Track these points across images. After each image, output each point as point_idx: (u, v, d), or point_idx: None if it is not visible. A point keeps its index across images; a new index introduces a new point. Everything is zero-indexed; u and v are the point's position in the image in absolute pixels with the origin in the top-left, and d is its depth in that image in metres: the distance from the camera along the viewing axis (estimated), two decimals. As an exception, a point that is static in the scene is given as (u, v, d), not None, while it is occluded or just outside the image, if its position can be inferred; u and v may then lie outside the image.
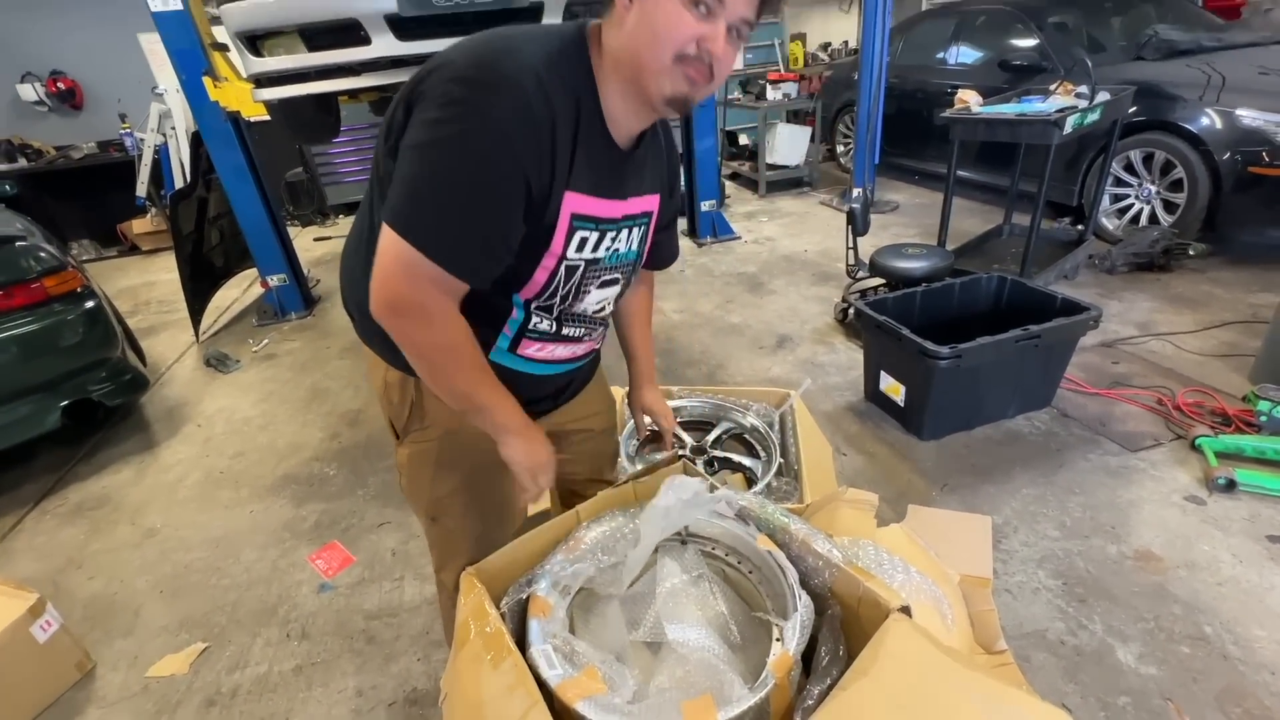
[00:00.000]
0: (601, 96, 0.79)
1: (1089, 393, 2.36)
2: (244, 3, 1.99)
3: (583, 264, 0.87)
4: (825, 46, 7.73)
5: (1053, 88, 2.96)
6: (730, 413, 2.04)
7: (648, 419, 1.29)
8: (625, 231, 0.90)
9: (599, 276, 0.91)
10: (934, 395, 2.10)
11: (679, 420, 2.10)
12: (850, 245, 3.03)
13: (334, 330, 3.73)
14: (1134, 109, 3.29)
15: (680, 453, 1.90)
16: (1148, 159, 3.45)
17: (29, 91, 5.99)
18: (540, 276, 0.84)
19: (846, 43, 7.78)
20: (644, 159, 0.90)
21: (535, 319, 0.90)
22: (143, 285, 5.06)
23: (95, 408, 2.55)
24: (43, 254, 2.42)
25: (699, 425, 2.10)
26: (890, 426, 2.32)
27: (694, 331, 3.23)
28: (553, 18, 2.17)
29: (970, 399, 2.17)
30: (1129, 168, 3.53)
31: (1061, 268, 3.17)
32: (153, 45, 5.31)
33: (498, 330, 0.90)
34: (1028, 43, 4.15)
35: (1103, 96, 2.81)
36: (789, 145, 5.62)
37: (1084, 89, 2.86)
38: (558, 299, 0.89)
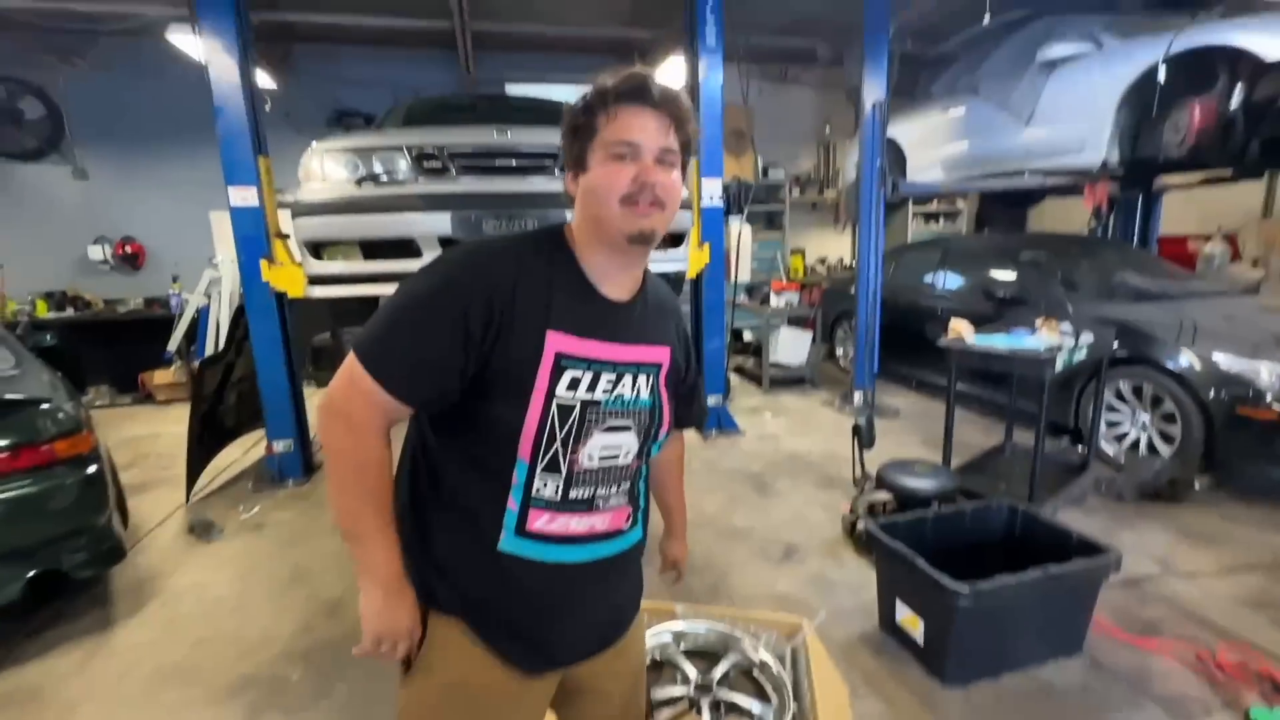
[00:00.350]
0: (581, 259, 0.93)
1: (1121, 639, 2.21)
2: (316, 219, 2.24)
3: (579, 404, 0.89)
4: (822, 260, 8.56)
5: (1038, 323, 3.20)
6: (739, 643, 1.91)
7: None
8: (629, 377, 0.94)
9: (602, 420, 0.92)
10: (956, 635, 1.97)
11: (684, 648, 1.96)
12: (857, 458, 3.05)
13: (328, 502, 3.64)
14: (1116, 344, 3.53)
15: (688, 695, 1.73)
16: (1137, 390, 3.61)
17: (98, 252, 6.56)
18: (533, 419, 0.87)
19: (841, 259, 8.62)
20: (644, 313, 0.99)
21: (539, 483, 0.90)
22: (148, 436, 5.06)
23: (63, 579, 2.39)
24: (61, 416, 2.45)
25: (705, 655, 1.95)
26: (910, 664, 2.14)
27: (698, 533, 3.13)
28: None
29: (995, 641, 2.03)
30: (1120, 396, 3.69)
31: (1070, 493, 3.16)
32: (221, 223, 5.92)
33: (502, 504, 0.89)
34: (1007, 275, 4.59)
35: (1087, 337, 3.03)
36: (791, 347, 5.95)
37: (1067, 327, 3.10)
38: (557, 443, 0.89)
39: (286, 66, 6.75)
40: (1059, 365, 2.77)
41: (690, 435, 4.60)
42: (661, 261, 3.09)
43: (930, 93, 5.99)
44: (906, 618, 2.18)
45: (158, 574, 2.91)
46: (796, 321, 6.10)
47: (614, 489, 0.97)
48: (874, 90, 4.64)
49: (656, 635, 1.97)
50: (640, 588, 1.15)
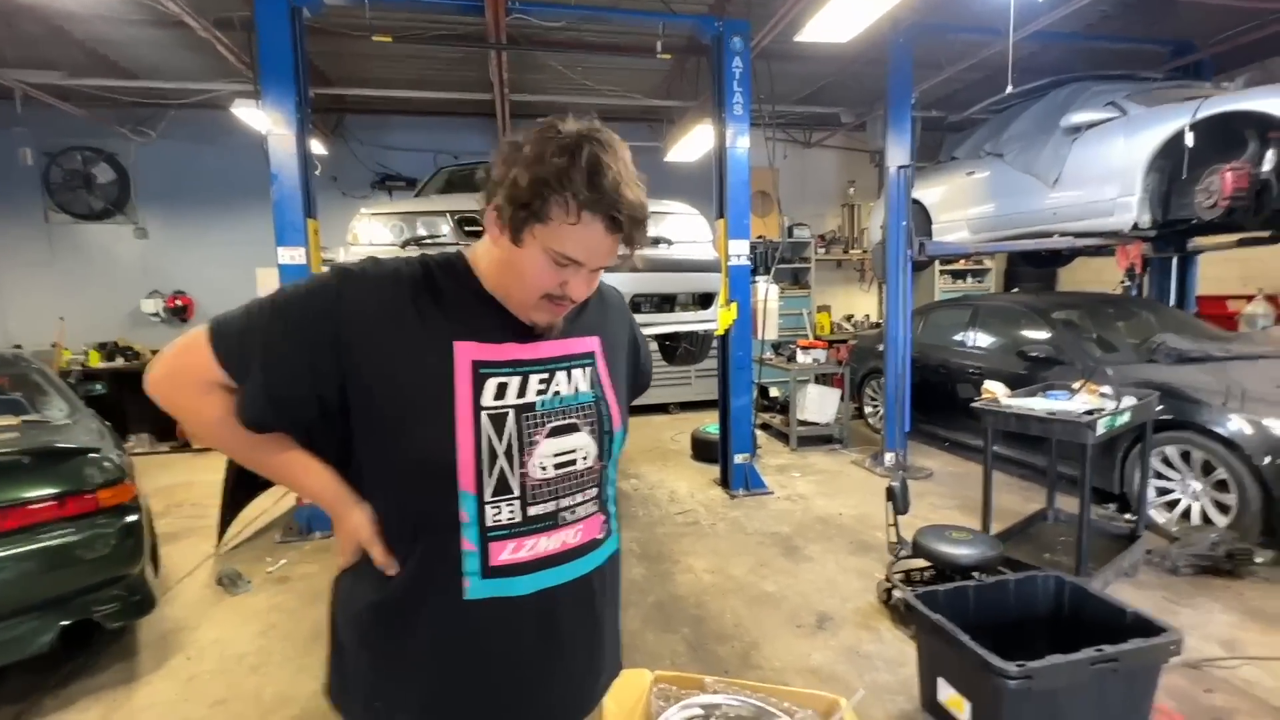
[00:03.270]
0: (483, 282, 0.89)
1: (1187, 731, 2.04)
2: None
3: (511, 411, 0.85)
4: (849, 318, 8.55)
5: (1075, 386, 3.12)
6: (773, 719, 1.81)
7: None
8: (562, 374, 0.90)
9: (544, 423, 0.87)
10: (1005, 721, 1.84)
11: (713, 722, 1.86)
12: (891, 523, 2.96)
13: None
14: (1160, 408, 3.41)
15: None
16: (1185, 455, 3.47)
17: (150, 305, 6.91)
18: (465, 438, 0.81)
19: (868, 316, 8.61)
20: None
21: (492, 511, 0.83)
22: (182, 485, 5.16)
23: (94, 629, 2.41)
24: (107, 465, 2.52)
25: (736, 732, 1.85)
26: (956, 752, 2.00)
27: (726, 598, 3.03)
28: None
29: (1048, 729, 1.89)
30: (1166, 462, 3.54)
31: (1119, 565, 3.00)
32: (266, 278, 6.20)
33: (456, 550, 0.83)
34: (1041, 335, 4.52)
35: (1129, 400, 2.94)
36: (819, 404, 5.88)
37: (1107, 390, 3.02)
38: (500, 459, 0.83)
39: (336, 134, 7.20)
40: (1100, 430, 2.69)
41: (717, 493, 4.54)
42: (693, 322, 3.13)
43: (954, 156, 6.10)
44: (950, 698, 2.05)
45: (183, 626, 2.91)
46: (824, 379, 6.05)
47: (579, 497, 0.90)
48: (898, 155, 4.74)
49: (684, 709, 1.88)
50: (616, 640, 1.05)
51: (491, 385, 0.84)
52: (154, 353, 6.76)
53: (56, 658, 2.47)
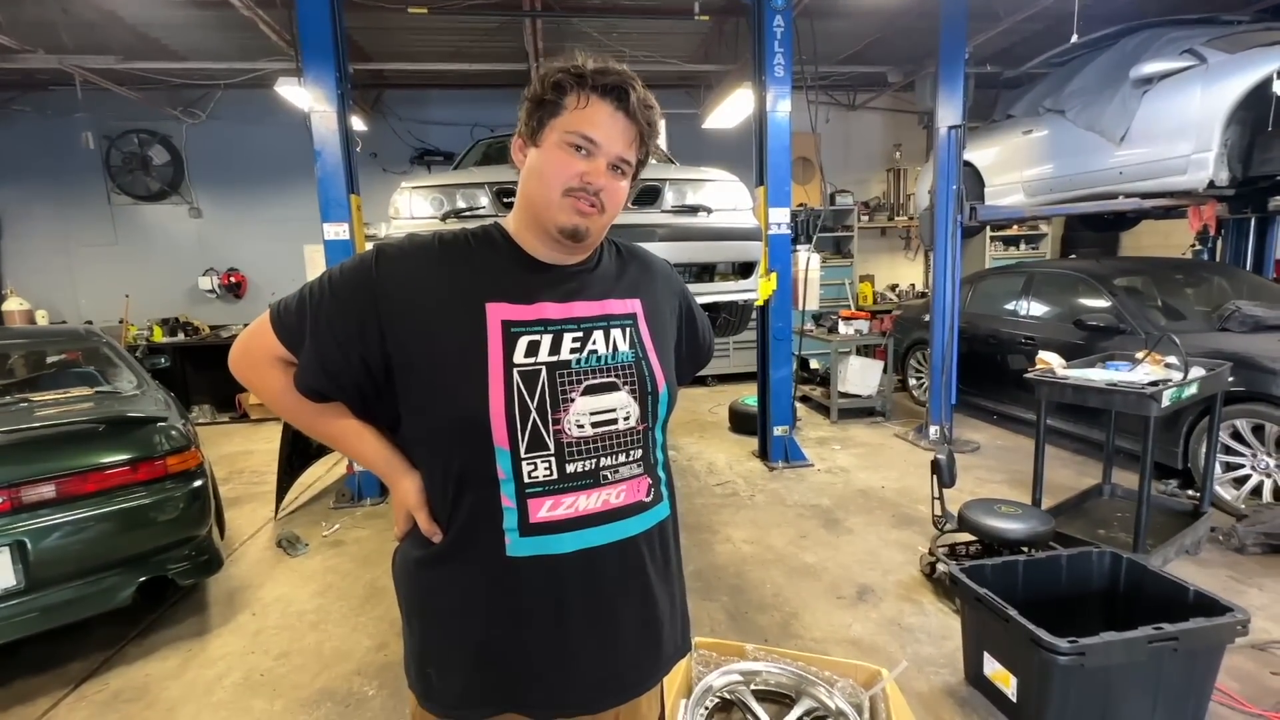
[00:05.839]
0: (517, 239, 0.93)
1: (1251, 712, 1.97)
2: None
3: (543, 368, 0.86)
4: (893, 287, 8.29)
5: (1139, 356, 2.96)
6: (814, 687, 1.82)
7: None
8: (599, 333, 0.91)
9: (579, 381, 0.87)
10: (1055, 698, 1.80)
11: (754, 687, 1.89)
12: (936, 496, 2.90)
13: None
14: (1232, 379, 3.21)
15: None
16: (1257, 429, 3.27)
17: (206, 283, 7.21)
18: (497, 394, 0.83)
19: (914, 285, 8.33)
20: (608, 271, 0.98)
21: (528, 467, 0.85)
22: (242, 453, 5.43)
23: (167, 585, 2.58)
24: (174, 433, 2.67)
25: (777, 697, 1.87)
26: (1001, 725, 1.98)
27: (766, 569, 3.04)
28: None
29: (1099, 707, 1.84)
30: (1236, 436, 3.35)
31: (1181, 542, 2.87)
32: (313, 255, 6.38)
33: (498, 507, 0.85)
34: (1100, 303, 4.29)
35: (1197, 371, 2.78)
36: (861, 376, 5.76)
37: (1174, 359, 2.85)
38: (533, 415, 0.84)
39: (376, 110, 7.27)
40: (1165, 401, 2.55)
41: (756, 466, 4.52)
42: (733, 292, 3.08)
43: (1010, 114, 5.77)
44: (996, 672, 2.02)
45: (248, 585, 3.08)
46: (866, 350, 5.91)
47: (621, 457, 0.90)
48: (949, 115, 4.51)
49: (725, 674, 1.91)
50: (680, 617, 1.03)
51: (523, 343, 0.86)
52: (212, 328, 7.08)
53: (136, 611, 2.67)
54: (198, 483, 2.67)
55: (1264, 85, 3.54)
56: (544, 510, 0.86)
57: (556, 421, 0.86)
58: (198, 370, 6.60)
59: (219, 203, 7.27)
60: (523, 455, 0.85)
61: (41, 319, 6.69)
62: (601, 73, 0.85)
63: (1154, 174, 4.24)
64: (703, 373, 7.89)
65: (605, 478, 0.89)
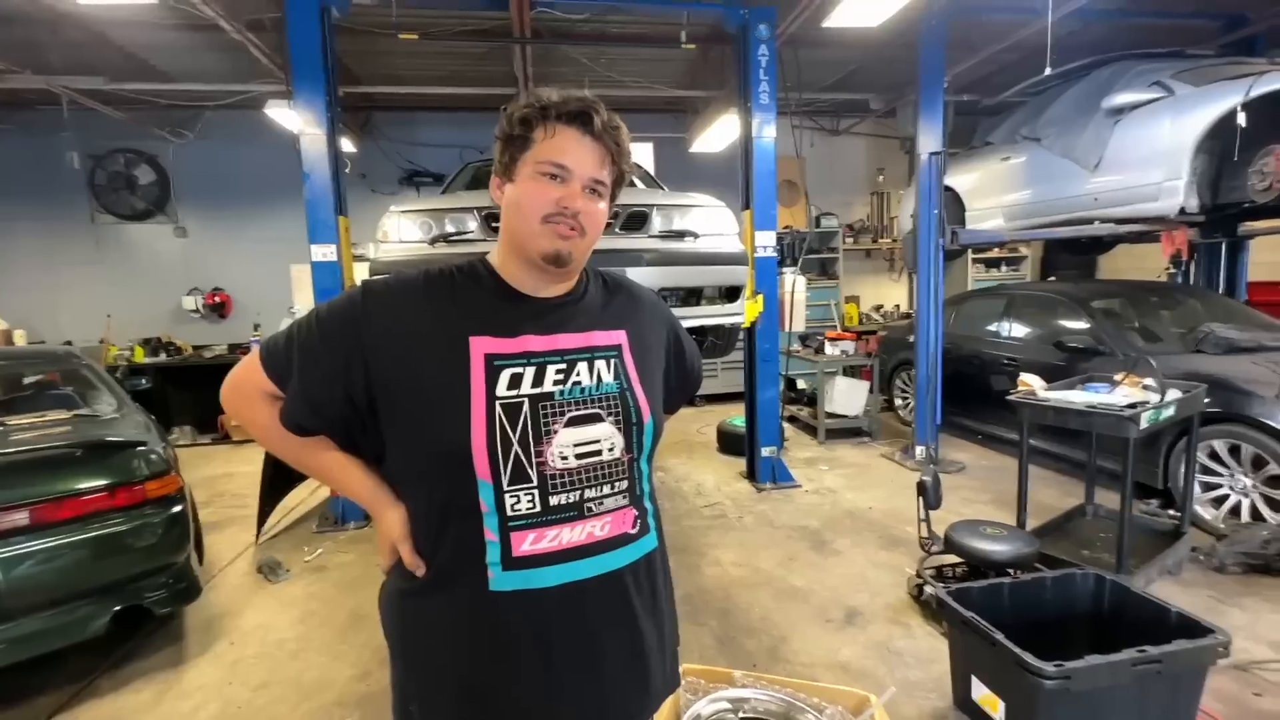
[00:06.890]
0: (502, 272, 0.94)
1: (1234, 735, 1.98)
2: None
3: (526, 400, 0.86)
4: (878, 308, 8.40)
5: (1117, 378, 3.02)
6: (802, 715, 1.81)
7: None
8: (583, 364, 0.91)
9: (562, 412, 0.87)
10: (1041, 721, 1.81)
11: (742, 715, 1.87)
12: (923, 518, 2.91)
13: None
14: (1208, 400, 3.28)
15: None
16: (1234, 450, 3.33)
17: (190, 302, 7.14)
18: (478, 426, 0.84)
19: (899, 306, 8.45)
20: (594, 302, 0.99)
21: (511, 500, 0.84)
22: (223, 476, 5.34)
23: (144, 615, 2.52)
24: (154, 457, 2.62)
25: (765, 726, 1.85)
26: (989, 750, 1.97)
27: (754, 592, 3.03)
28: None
29: (1087, 731, 1.85)
30: (1214, 456, 3.41)
31: (1163, 563, 2.91)
32: (300, 274, 6.36)
33: (481, 542, 0.84)
34: (1080, 325, 4.38)
35: (1174, 394, 2.84)
36: (847, 396, 5.81)
37: (1151, 381, 2.91)
38: (515, 447, 0.84)
39: (365, 132, 7.31)
40: (1143, 424, 2.60)
41: (744, 487, 4.52)
42: (719, 316, 3.10)
43: (989, 141, 5.92)
44: (984, 697, 2.02)
45: (226, 613, 3.01)
46: (852, 371, 5.97)
47: (606, 489, 0.90)
48: (930, 141, 4.62)
49: (713, 701, 1.89)
50: (668, 652, 1.01)
51: (505, 376, 0.87)
52: (195, 348, 7.00)
53: (110, 642, 2.59)
54: (177, 508, 2.62)
55: (1230, 117, 3.68)
56: (527, 543, 0.85)
57: (539, 454, 0.86)
58: (179, 391, 6.50)
59: (205, 223, 7.23)
60: (505, 488, 0.85)
61: (20, 339, 6.56)
62: (564, 101, 0.88)
63: (1127, 200, 4.36)
64: (691, 393, 7.87)
65: (590, 510, 0.89)
